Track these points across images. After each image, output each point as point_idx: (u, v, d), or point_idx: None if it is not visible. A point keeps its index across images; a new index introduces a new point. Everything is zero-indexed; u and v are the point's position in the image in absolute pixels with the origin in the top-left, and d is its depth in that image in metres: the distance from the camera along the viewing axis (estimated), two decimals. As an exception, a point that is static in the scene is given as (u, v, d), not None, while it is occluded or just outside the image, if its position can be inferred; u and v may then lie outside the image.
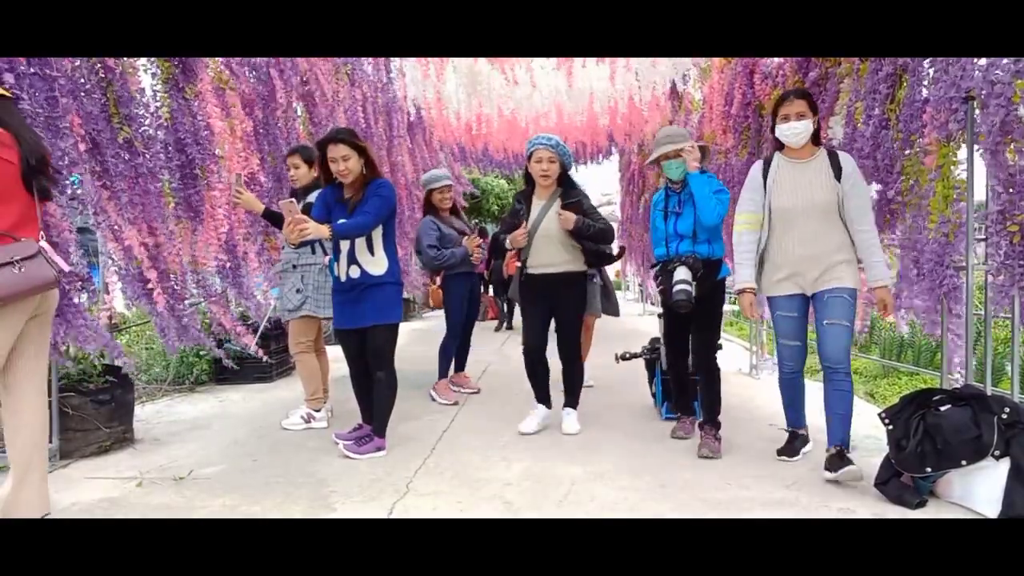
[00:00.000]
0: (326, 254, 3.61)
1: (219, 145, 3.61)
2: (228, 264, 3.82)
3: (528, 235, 3.44)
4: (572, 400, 3.64)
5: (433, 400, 4.35)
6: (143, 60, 3.17)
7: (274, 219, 3.59)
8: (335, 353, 4.07)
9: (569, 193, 3.50)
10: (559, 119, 7.67)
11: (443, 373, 4.49)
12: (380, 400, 3.16)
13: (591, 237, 3.43)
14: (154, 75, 3.30)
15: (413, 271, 7.47)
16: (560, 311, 3.55)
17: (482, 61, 5.99)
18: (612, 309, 4.71)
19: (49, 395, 2.93)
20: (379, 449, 3.13)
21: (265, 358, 4.44)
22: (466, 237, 4.40)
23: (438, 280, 4.45)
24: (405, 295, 7.43)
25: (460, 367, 4.72)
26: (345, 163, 3.02)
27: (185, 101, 3.41)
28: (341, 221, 2.98)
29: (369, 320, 3.11)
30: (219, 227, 3.58)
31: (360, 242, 3.08)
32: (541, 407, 3.62)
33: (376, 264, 3.12)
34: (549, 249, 3.46)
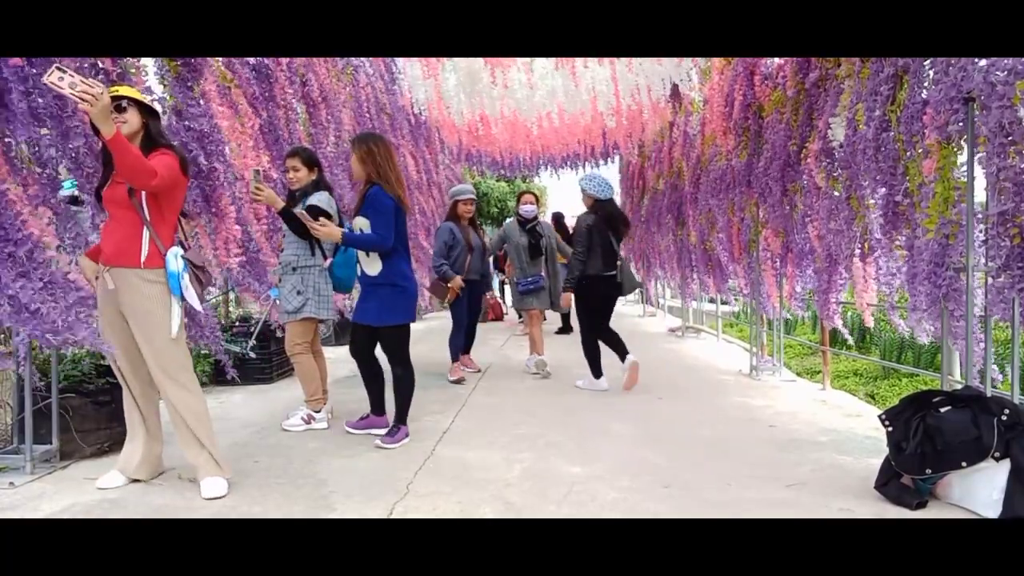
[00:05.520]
0: (325, 257, 3.64)
1: (228, 144, 3.60)
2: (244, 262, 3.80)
3: None
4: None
5: (449, 381, 5.05)
6: (147, 60, 3.16)
7: (290, 218, 3.45)
8: (332, 354, 4.08)
9: None
10: (560, 120, 7.67)
11: (455, 358, 5.22)
12: (398, 393, 3.40)
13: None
14: (163, 76, 3.30)
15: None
16: None
17: (480, 61, 5.99)
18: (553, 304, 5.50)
19: (49, 395, 2.94)
20: (407, 436, 3.38)
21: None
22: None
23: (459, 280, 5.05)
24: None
25: (466, 351, 5.53)
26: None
27: (194, 100, 3.40)
28: (352, 231, 3.26)
29: (371, 319, 3.32)
30: (232, 226, 3.58)
31: None
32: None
33: (370, 264, 3.30)
34: None
